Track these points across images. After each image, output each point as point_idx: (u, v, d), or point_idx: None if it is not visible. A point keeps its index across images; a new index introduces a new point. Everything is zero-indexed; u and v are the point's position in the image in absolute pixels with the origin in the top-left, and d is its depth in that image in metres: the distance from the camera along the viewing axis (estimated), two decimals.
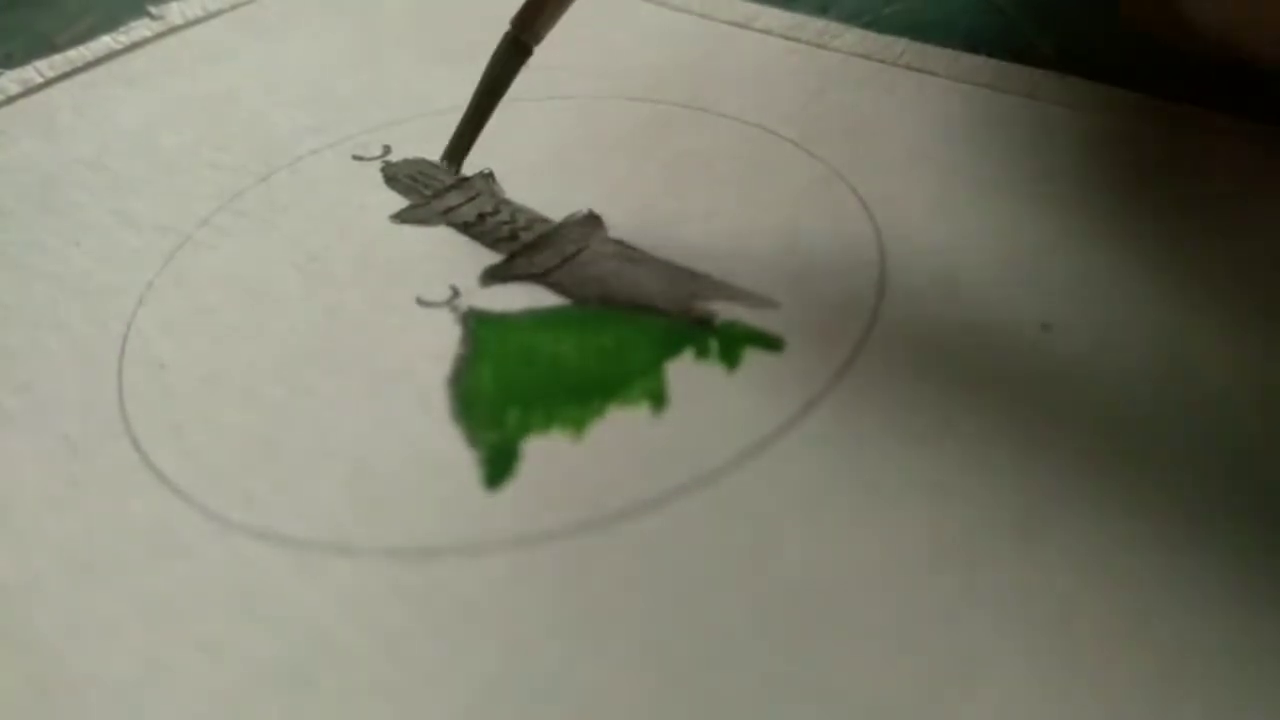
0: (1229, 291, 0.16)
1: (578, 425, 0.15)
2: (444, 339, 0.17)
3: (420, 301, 0.18)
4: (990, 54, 0.22)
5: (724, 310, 0.17)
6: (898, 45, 0.23)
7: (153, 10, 0.27)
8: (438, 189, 0.20)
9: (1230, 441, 0.14)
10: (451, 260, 0.18)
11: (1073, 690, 0.11)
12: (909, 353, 0.16)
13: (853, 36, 0.23)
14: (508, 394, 0.16)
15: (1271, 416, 0.14)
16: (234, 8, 0.27)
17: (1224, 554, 0.13)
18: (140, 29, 0.26)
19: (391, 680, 0.12)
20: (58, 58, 0.25)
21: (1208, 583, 0.12)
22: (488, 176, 0.20)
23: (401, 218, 0.20)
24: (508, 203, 0.20)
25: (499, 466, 0.15)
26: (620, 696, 0.12)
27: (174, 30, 0.26)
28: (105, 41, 0.26)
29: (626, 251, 0.18)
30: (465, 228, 0.19)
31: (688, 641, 0.12)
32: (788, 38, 0.24)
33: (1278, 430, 0.14)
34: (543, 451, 0.15)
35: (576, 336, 0.17)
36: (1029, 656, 0.12)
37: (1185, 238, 0.17)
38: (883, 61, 0.22)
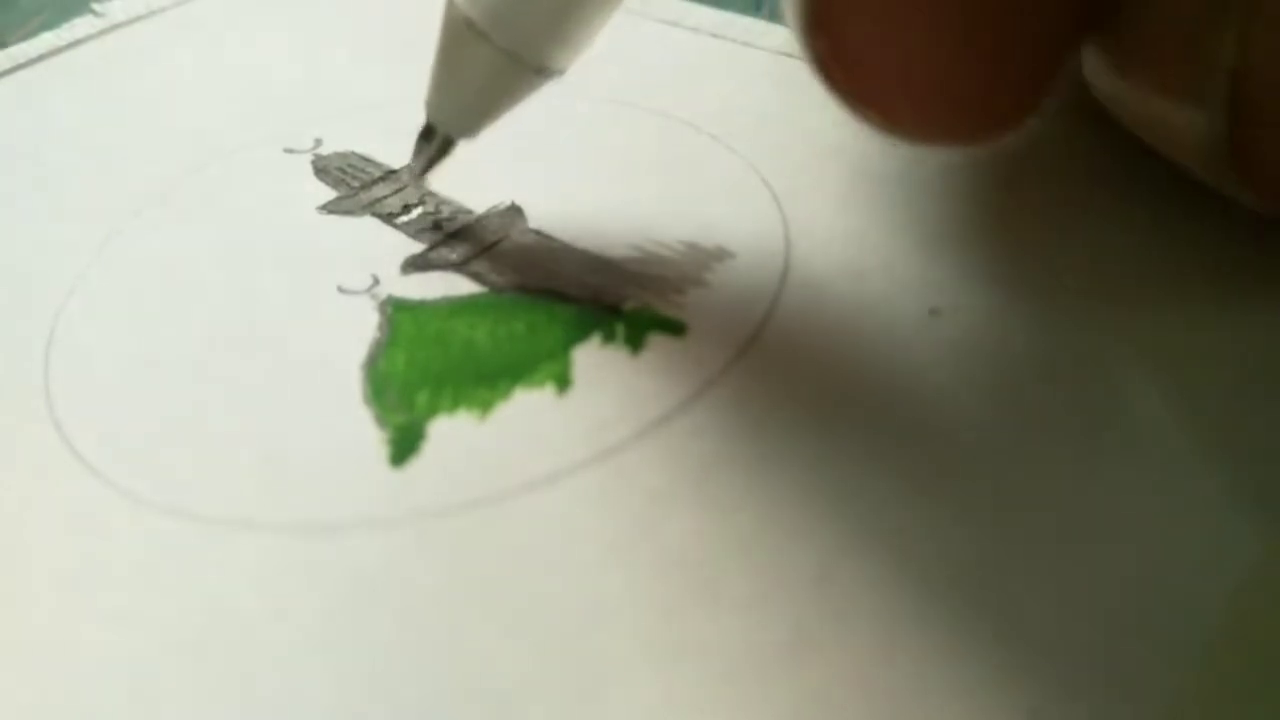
0: (1109, 278, 0.17)
1: (484, 406, 0.16)
2: (362, 326, 0.17)
3: (341, 290, 0.18)
4: None
5: (634, 297, 0.17)
6: None
7: (96, 8, 0.27)
8: (366, 181, 0.21)
9: (1101, 416, 0.14)
10: (374, 250, 0.19)
11: (930, 637, 0.12)
12: (804, 337, 0.16)
13: (779, 35, 0.24)
14: (419, 377, 0.16)
15: (1151, 395, 0.15)
16: (177, 4, 0.27)
17: (1097, 520, 0.13)
18: (84, 26, 0.27)
19: (284, 648, 0.13)
20: (1, 55, 0.26)
21: (1083, 551, 0.13)
22: None
23: (328, 209, 0.20)
24: (433, 194, 0.20)
25: (405, 446, 0.15)
26: (504, 661, 0.12)
27: (116, 27, 0.27)
28: (48, 38, 0.26)
29: (545, 242, 0.19)
30: (389, 218, 0.20)
31: (570, 607, 0.13)
32: (716, 35, 0.24)
33: (1157, 408, 0.15)
34: (448, 431, 0.15)
35: (490, 322, 0.17)
36: (891, 617, 0.12)
37: (1068, 228, 0.18)
38: None
